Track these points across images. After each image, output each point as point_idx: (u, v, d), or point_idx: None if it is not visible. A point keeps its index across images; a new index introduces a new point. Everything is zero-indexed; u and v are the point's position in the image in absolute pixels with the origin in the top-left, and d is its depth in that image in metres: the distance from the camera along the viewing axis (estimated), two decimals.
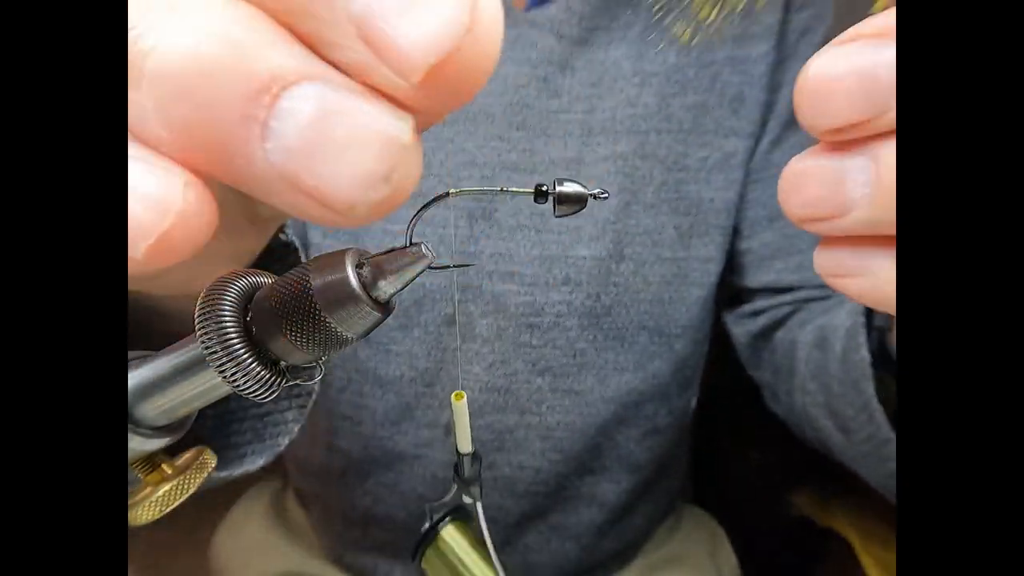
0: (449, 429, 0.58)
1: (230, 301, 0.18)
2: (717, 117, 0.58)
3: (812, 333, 0.55)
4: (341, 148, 0.13)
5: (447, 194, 0.21)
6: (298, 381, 0.20)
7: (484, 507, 0.61)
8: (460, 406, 0.30)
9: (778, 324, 0.62)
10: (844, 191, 0.17)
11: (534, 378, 0.59)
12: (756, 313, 0.64)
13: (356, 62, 0.13)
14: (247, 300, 0.19)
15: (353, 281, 0.18)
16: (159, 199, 0.14)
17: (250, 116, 0.13)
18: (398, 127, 0.14)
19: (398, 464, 0.61)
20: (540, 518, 0.63)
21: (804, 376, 0.54)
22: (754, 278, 0.63)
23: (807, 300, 0.61)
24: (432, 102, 0.14)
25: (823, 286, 0.59)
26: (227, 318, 0.18)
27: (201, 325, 0.18)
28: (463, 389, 0.59)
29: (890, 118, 0.16)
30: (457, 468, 0.31)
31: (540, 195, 0.20)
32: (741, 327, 0.66)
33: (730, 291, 0.66)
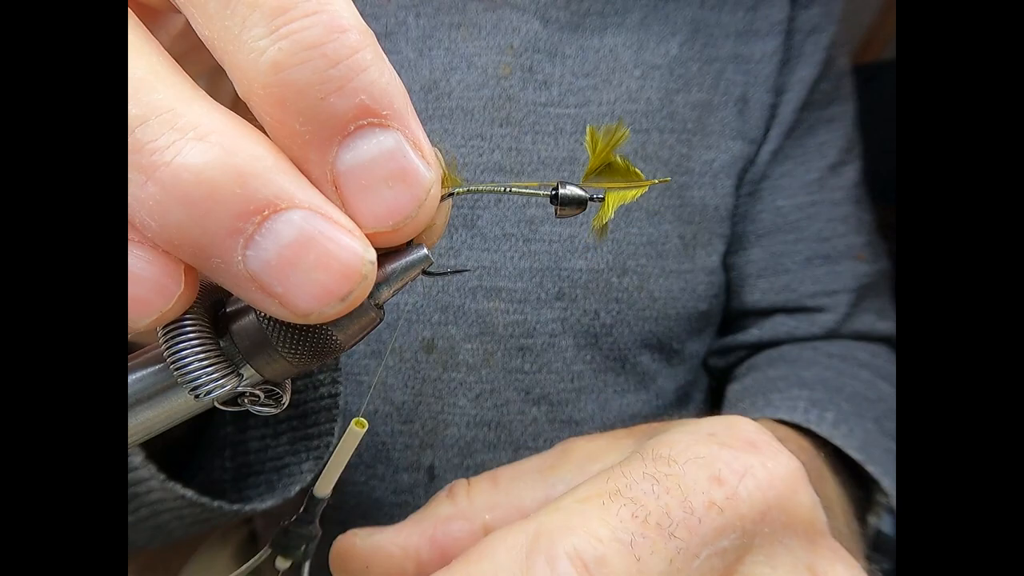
0: (433, 473, 0.51)
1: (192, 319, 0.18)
2: (722, 117, 0.54)
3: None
4: (310, 269, 0.16)
5: (452, 193, 0.20)
6: (263, 407, 0.20)
7: None
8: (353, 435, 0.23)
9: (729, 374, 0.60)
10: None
11: (528, 408, 0.52)
12: (725, 351, 0.62)
13: None
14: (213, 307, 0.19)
15: None
16: (163, 286, 0.16)
17: (239, 231, 0.15)
18: (363, 260, 0.16)
19: (375, 514, 0.54)
20: None
21: None
22: (736, 297, 0.59)
23: (758, 347, 0.59)
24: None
25: (801, 309, 0.57)
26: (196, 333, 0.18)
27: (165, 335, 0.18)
28: (448, 424, 0.51)
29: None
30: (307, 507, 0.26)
31: (554, 195, 0.20)
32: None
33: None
